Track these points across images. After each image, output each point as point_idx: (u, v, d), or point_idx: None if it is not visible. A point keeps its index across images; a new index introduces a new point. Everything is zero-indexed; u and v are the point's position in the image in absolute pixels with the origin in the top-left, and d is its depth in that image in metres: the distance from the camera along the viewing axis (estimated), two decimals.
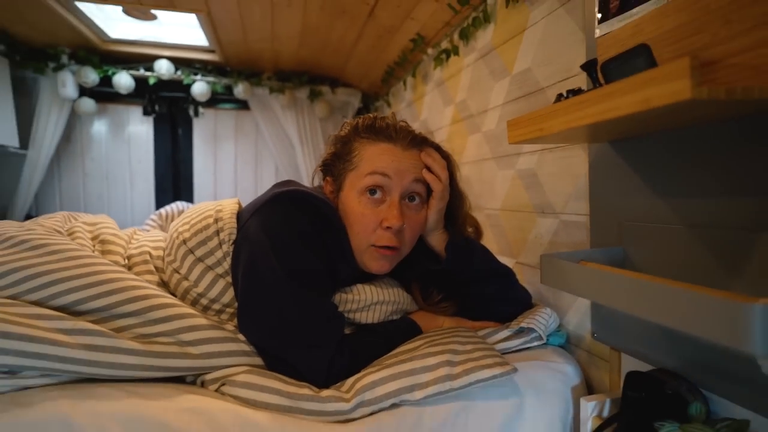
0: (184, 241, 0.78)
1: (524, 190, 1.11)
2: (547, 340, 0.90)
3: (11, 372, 0.60)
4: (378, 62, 2.22)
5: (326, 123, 2.85)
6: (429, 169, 0.83)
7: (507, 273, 0.91)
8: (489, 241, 1.27)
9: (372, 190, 0.80)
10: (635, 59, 0.57)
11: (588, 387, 0.85)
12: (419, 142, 0.85)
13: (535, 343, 0.88)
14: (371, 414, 0.65)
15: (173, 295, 0.78)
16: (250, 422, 0.60)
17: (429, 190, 0.84)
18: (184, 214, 0.85)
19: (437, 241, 0.88)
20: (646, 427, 0.62)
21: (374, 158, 0.81)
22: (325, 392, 0.66)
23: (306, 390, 0.65)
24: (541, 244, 1.04)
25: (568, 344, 0.93)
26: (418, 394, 0.66)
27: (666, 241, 0.68)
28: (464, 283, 0.89)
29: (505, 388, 0.73)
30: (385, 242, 0.79)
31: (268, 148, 2.87)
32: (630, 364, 0.77)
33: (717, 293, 0.44)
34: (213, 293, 0.77)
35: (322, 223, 0.77)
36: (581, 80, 0.86)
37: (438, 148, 0.88)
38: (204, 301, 0.77)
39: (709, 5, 0.56)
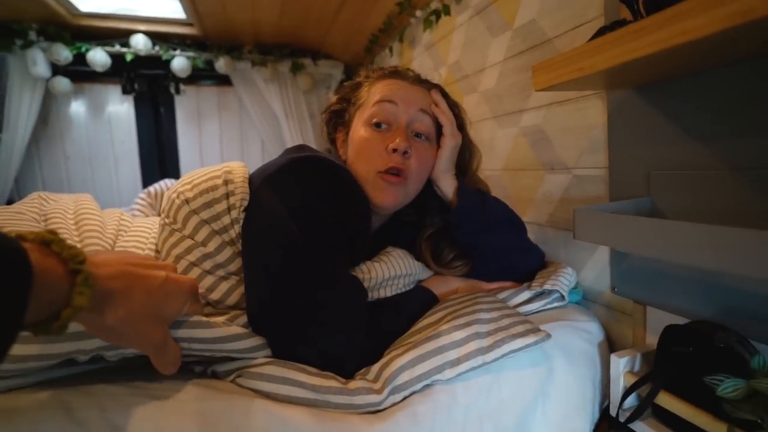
0: (187, 201, 0.64)
1: (530, 147, 1.01)
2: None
3: None
4: (361, 31, 2.04)
5: (310, 95, 2.68)
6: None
7: (521, 222, 0.82)
8: None
9: (377, 124, 0.73)
10: None
11: (609, 343, 0.78)
12: (427, 82, 0.80)
13: (556, 304, 0.79)
14: (403, 399, 0.55)
15: (161, 255, 0.66)
16: (279, 416, 0.49)
17: (438, 133, 0.77)
18: (184, 177, 0.70)
19: (448, 185, 0.78)
20: (692, 382, 0.55)
21: (381, 89, 0.75)
22: (353, 383, 0.54)
23: (333, 382, 0.53)
24: (551, 201, 0.95)
25: (584, 300, 0.86)
26: (449, 373, 0.56)
27: (705, 188, 0.60)
28: (478, 233, 0.78)
29: (533, 353, 0.63)
30: (391, 164, 0.70)
31: (253, 123, 2.67)
32: (656, 317, 0.70)
33: None
34: (220, 258, 0.63)
35: (343, 193, 0.65)
36: (597, 25, 0.75)
37: (447, 95, 0.80)
38: (208, 264, 0.63)
39: None
